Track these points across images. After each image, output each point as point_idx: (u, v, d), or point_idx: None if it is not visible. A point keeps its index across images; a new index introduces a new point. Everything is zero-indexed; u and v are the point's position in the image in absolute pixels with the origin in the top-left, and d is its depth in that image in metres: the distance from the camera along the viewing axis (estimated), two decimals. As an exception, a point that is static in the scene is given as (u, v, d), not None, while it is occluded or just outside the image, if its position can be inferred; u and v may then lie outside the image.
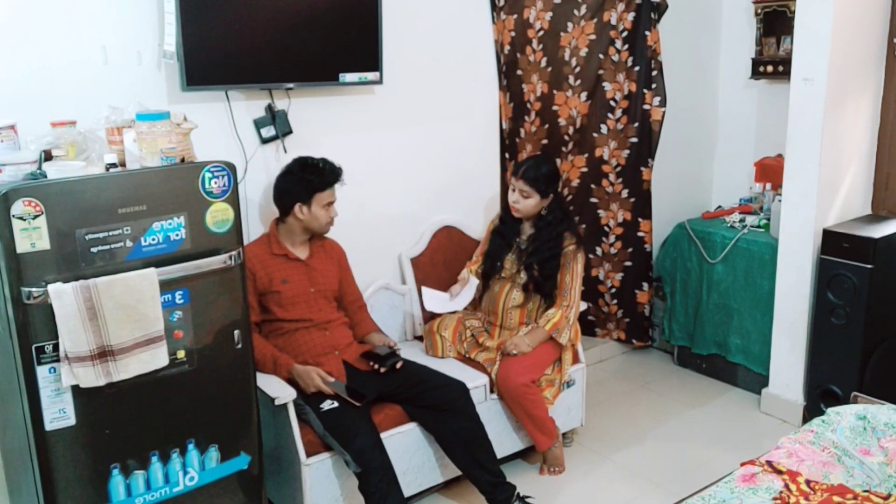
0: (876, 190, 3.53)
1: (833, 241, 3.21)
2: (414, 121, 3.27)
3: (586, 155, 3.77)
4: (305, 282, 2.75)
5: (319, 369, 2.64)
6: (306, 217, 2.70)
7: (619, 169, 3.81)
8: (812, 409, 3.31)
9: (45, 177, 2.00)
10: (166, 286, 2.10)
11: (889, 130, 3.46)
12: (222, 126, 2.77)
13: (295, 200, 2.68)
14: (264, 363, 2.61)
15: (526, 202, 3.04)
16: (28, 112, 2.27)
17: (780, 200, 3.43)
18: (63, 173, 2.03)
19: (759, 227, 3.70)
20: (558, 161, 3.72)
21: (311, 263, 2.79)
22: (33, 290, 1.92)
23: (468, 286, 3.14)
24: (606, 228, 3.90)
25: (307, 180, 2.66)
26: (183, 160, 2.16)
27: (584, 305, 3.35)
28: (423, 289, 3.18)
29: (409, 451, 2.76)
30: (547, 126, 3.66)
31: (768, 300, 3.52)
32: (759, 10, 3.90)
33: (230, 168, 2.20)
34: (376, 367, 2.73)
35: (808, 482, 1.96)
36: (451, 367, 2.97)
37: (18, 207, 1.87)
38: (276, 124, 2.87)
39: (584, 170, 3.79)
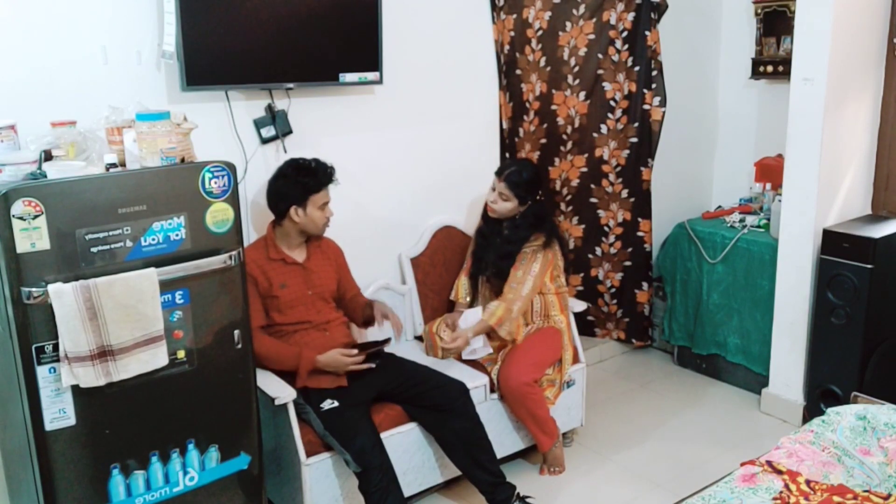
0: (876, 190, 3.53)
1: (833, 241, 3.21)
2: (414, 121, 3.27)
3: (586, 155, 3.77)
4: (303, 285, 2.75)
5: (338, 349, 2.64)
6: (302, 220, 2.69)
7: (618, 169, 3.81)
8: (812, 409, 3.31)
9: (45, 177, 2.00)
10: (166, 286, 2.10)
11: (889, 130, 3.45)
12: (222, 126, 2.77)
13: (290, 204, 2.67)
14: (285, 360, 2.61)
15: (503, 204, 3.04)
16: (28, 112, 2.27)
17: (780, 200, 3.43)
18: (63, 173, 2.03)
19: (759, 227, 3.70)
20: (557, 161, 3.72)
21: (309, 266, 2.78)
22: (33, 290, 1.91)
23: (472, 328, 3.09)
24: (606, 228, 3.90)
25: (301, 183, 2.65)
26: (183, 160, 2.16)
27: (583, 305, 3.36)
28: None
29: (409, 451, 2.76)
30: (546, 125, 3.66)
31: (768, 300, 3.52)
32: (759, 10, 3.90)
33: (230, 168, 2.20)
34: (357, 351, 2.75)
35: (808, 482, 1.96)
36: (451, 368, 2.98)
37: (18, 207, 1.87)
38: (276, 124, 2.87)
39: (584, 170, 3.79)
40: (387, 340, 2.78)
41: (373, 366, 2.67)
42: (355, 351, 2.65)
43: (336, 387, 2.63)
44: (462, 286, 3.24)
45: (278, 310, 2.71)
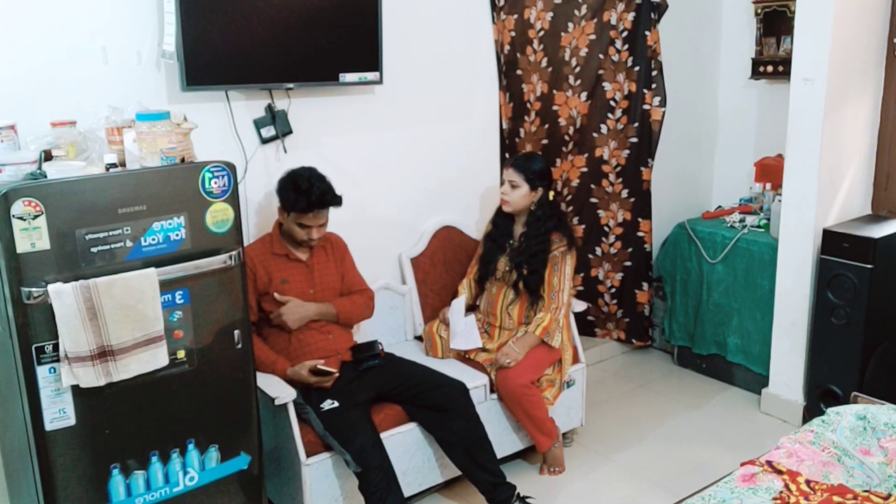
0: (876, 190, 3.53)
1: (833, 241, 3.21)
2: (414, 121, 3.27)
3: (586, 155, 3.77)
4: (305, 283, 2.75)
5: (307, 363, 2.63)
6: (286, 223, 2.71)
7: (619, 169, 3.81)
8: (812, 409, 3.31)
9: (45, 177, 1.99)
10: (166, 286, 2.10)
11: (889, 130, 3.45)
12: (222, 126, 2.76)
13: (280, 204, 2.70)
14: (263, 366, 2.61)
15: (514, 193, 3.03)
16: (28, 112, 2.27)
17: (780, 200, 3.43)
18: (63, 173, 2.03)
19: (759, 227, 3.70)
20: (558, 161, 3.72)
21: (312, 264, 2.79)
22: (33, 290, 1.91)
23: (466, 323, 3.12)
24: (606, 228, 3.90)
25: (286, 195, 2.66)
26: (183, 160, 2.16)
27: (583, 305, 3.35)
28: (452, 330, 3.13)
29: (409, 451, 2.76)
30: (547, 126, 3.66)
31: (768, 300, 3.52)
32: (759, 10, 3.90)
33: (230, 168, 2.20)
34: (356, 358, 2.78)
35: (808, 482, 1.96)
36: (451, 367, 2.98)
37: (18, 207, 1.87)
38: (276, 124, 2.87)
39: (584, 170, 3.79)
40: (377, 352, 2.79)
41: (335, 373, 2.64)
42: (322, 361, 2.65)
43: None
44: (464, 286, 3.24)
45: (278, 306, 2.71)
